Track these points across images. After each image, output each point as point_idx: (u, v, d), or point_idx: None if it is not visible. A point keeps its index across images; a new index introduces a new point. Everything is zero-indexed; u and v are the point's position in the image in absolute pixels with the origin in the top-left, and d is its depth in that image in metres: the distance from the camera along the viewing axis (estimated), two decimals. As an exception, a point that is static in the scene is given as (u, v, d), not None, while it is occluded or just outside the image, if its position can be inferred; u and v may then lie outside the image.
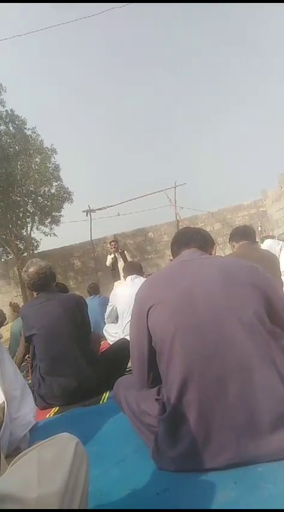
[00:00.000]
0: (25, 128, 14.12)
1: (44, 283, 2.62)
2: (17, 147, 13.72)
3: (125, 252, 8.87)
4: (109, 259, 8.60)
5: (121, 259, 8.28)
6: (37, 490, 0.74)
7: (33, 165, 13.37)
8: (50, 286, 2.68)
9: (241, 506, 1.01)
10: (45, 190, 14.23)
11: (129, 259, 8.63)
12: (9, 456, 1.34)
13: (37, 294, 2.69)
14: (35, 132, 14.21)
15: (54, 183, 14.38)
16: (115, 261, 8.46)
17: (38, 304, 2.60)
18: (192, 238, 1.65)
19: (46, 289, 2.64)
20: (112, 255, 8.49)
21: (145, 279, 2.14)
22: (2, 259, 14.52)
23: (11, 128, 13.86)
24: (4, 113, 13.71)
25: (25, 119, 14.10)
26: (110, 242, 9.02)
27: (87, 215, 13.76)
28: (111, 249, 8.65)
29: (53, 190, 14.38)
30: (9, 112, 13.86)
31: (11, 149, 13.55)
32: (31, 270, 2.59)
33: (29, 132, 14.14)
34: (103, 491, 1.21)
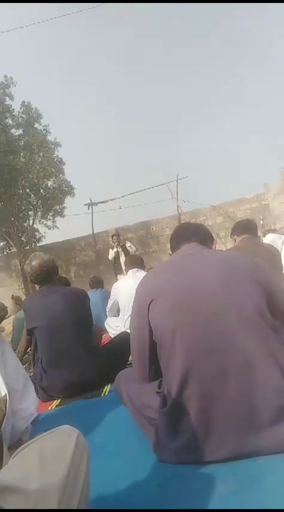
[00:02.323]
0: (38, 123, 14.11)
1: (47, 276, 2.63)
2: (23, 141, 13.72)
3: (129, 242, 8.87)
4: (111, 253, 8.62)
5: (123, 253, 8.29)
6: (38, 481, 0.74)
7: (36, 158, 13.35)
8: (53, 279, 2.69)
9: (241, 498, 1.02)
10: (47, 183, 14.22)
11: (133, 249, 8.64)
12: (11, 448, 1.35)
13: (40, 287, 2.70)
14: (46, 130, 14.20)
15: (56, 177, 14.36)
16: (117, 255, 8.48)
17: (40, 297, 2.61)
18: (192, 233, 1.65)
19: (49, 282, 2.65)
20: (115, 249, 8.50)
21: (147, 272, 2.14)
22: (4, 252, 14.54)
23: (22, 120, 13.86)
24: (18, 105, 13.78)
25: (41, 113, 14.14)
26: (112, 236, 9.04)
27: (88, 208, 13.75)
28: (113, 243, 8.67)
29: (55, 184, 14.36)
30: (26, 103, 13.88)
31: (19, 142, 13.56)
32: (34, 263, 2.60)
33: (40, 127, 14.14)
34: (105, 483, 1.22)
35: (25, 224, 14.73)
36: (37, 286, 2.77)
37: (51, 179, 14.19)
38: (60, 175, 14.44)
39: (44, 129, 14.22)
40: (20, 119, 13.90)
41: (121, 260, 8.06)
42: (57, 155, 14.26)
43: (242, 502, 1.00)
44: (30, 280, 2.80)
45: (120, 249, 8.48)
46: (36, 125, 14.16)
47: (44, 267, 2.59)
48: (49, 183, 14.28)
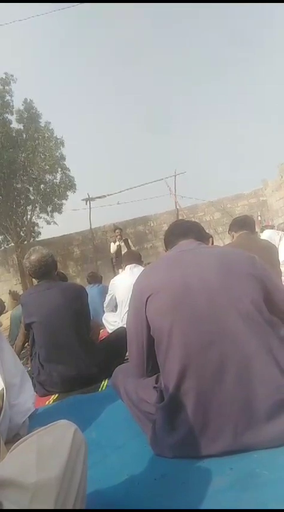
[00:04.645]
0: (39, 121, 14.07)
1: (45, 271, 2.63)
2: (24, 135, 13.65)
3: (128, 240, 8.88)
4: (113, 247, 8.61)
5: (125, 248, 8.28)
6: (36, 475, 0.75)
7: (39, 153, 13.30)
8: (51, 274, 2.69)
9: (237, 491, 1.02)
10: (48, 178, 14.18)
11: (132, 247, 8.64)
12: (9, 442, 1.36)
13: (38, 282, 2.70)
14: (48, 128, 14.12)
15: (59, 172, 14.32)
16: (119, 249, 8.45)
17: (38, 292, 2.61)
18: (189, 230, 1.65)
19: (47, 277, 2.65)
20: (117, 243, 8.49)
21: (144, 268, 2.14)
22: (2, 247, 14.49)
23: (23, 116, 13.80)
24: (19, 102, 13.71)
25: (40, 113, 14.14)
26: (115, 230, 9.05)
27: (86, 203, 13.69)
28: (116, 237, 8.66)
29: (57, 180, 14.33)
30: (28, 100, 13.85)
31: (20, 137, 13.50)
32: (33, 257, 2.59)
33: (42, 124, 14.08)
34: (102, 477, 1.23)
35: (23, 219, 14.68)
36: (35, 281, 2.77)
37: (53, 174, 14.15)
38: (65, 171, 14.42)
39: (45, 127, 14.15)
40: (20, 115, 13.83)
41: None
42: (61, 151, 14.23)
43: (238, 496, 1.01)
44: (28, 274, 2.80)
45: (122, 243, 8.47)
46: (37, 122, 14.10)
47: (42, 261, 2.59)
48: (50, 177, 14.24)
